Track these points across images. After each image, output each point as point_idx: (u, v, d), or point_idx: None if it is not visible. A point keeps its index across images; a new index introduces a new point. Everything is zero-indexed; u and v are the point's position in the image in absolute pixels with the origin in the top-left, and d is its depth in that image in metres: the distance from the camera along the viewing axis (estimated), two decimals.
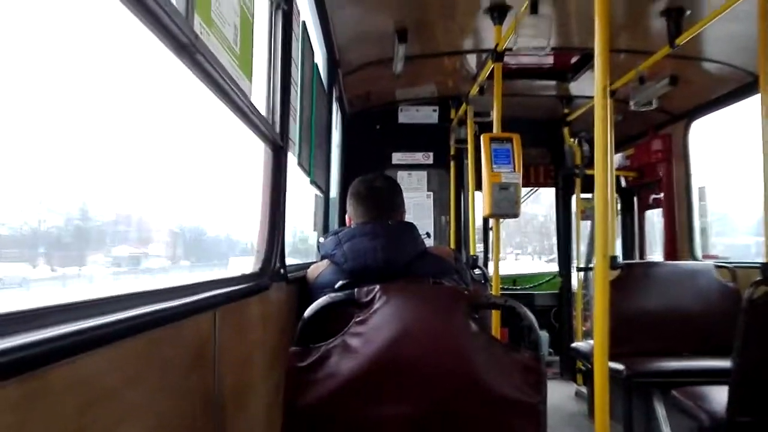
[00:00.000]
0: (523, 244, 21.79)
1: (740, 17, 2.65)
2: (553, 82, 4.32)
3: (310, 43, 2.50)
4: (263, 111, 1.69)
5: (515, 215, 3.01)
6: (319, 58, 3.00)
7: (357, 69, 3.82)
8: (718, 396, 2.29)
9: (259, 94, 1.69)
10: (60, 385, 0.62)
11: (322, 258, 1.97)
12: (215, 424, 1.16)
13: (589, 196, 4.80)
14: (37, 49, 0.99)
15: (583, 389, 4.37)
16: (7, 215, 1.19)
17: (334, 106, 3.57)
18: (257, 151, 1.76)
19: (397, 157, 4.95)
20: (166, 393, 0.92)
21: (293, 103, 1.99)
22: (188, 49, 1.00)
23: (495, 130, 3.06)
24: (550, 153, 5.35)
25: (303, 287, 1.97)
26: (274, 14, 1.83)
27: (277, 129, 1.78)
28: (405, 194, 2.09)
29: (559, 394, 4.56)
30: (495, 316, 3.03)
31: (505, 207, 2.92)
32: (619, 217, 5.33)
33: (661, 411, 3.08)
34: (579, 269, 4.94)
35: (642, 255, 5.29)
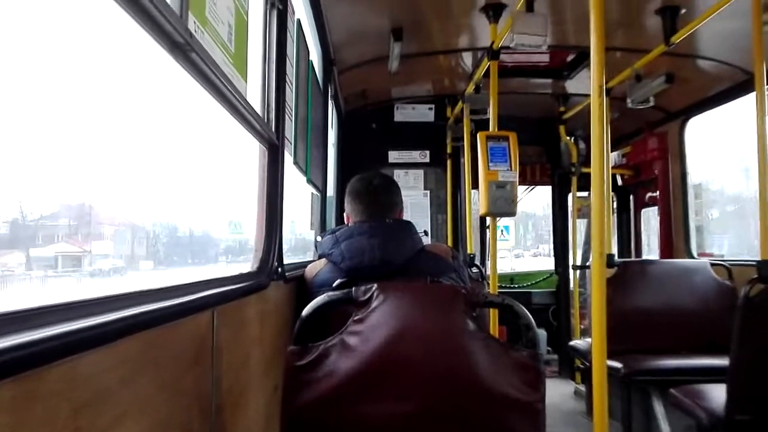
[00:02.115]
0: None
1: (735, 15, 2.65)
2: (549, 80, 4.32)
3: (305, 41, 2.49)
4: (258, 110, 1.68)
5: (512, 213, 3.00)
6: (315, 56, 2.99)
7: (352, 67, 3.81)
8: (717, 394, 2.29)
9: (254, 93, 1.68)
10: (56, 386, 0.62)
11: (320, 257, 1.96)
12: (213, 424, 1.15)
13: (585, 194, 4.80)
14: (30, 44, 0.98)
15: (582, 387, 4.37)
16: None
17: (330, 105, 3.56)
18: (253, 150, 1.75)
19: (394, 156, 4.94)
20: (164, 393, 0.92)
21: (288, 102, 1.99)
22: (182, 47, 0.99)
23: (491, 128, 3.06)
24: (546, 151, 5.35)
25: (301, 286, 1.96)
26: (269, 13, 1.83)
27: (273, 128, 1.77)
28: (402, 193, 2.08)
29: (558, 392, 4.56)
30: (493, 314, 3.03)
31: (502, 205, 2.92)
32: (615, 215, 5.34)
33: (659, 409, 3.08)
34: (575, 267, 4.94)
35: (638, 253, 5.30)
